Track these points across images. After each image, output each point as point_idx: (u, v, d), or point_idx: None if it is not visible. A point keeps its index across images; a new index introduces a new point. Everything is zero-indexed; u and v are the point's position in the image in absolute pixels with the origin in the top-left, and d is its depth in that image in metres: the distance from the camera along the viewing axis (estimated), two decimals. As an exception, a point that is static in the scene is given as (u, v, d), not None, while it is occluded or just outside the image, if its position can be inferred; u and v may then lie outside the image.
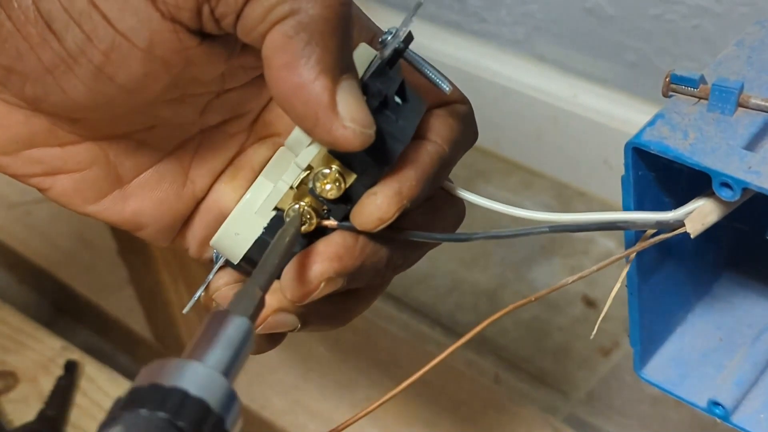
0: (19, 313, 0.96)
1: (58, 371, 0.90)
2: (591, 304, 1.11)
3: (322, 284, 0.43)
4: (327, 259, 0.43)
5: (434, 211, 0.46)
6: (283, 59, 0.39)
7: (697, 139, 0.41)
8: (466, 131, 0.46)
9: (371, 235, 0.44)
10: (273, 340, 0.47)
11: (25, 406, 0.87)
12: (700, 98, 0.43)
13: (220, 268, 0.46)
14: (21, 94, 0.42)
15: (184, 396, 0.33)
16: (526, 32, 1.22)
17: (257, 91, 0.46)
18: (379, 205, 0.42)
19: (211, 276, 0.46)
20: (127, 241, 0.96)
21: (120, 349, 1.10)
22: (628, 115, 1.16)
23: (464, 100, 0.47)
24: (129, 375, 0.91)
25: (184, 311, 0.47)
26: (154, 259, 0.93)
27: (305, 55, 0.38)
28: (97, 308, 1.10)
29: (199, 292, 0.47)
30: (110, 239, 1.05)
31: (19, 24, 0.40)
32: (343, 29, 0.39)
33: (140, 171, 0.46)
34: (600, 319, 0.48)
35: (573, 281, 0.44)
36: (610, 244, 1.15)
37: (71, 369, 0.90)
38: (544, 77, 1.22)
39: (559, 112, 1.21)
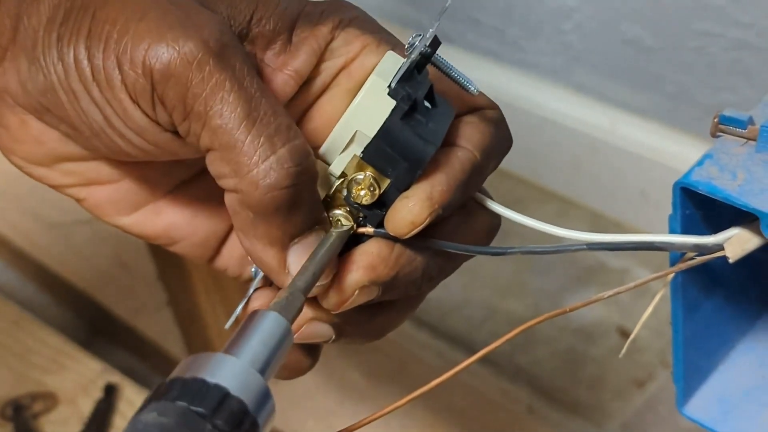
0: (59, 334, 0.96)
1: (98, 393, 0.90)
2: (626, 335, 1.11)
3: (357, 292, 0.43)
4: (362, 267, 0.43)
5: (467, 222, 0.46)
6: (236, 223, 0.42)
7: (746, 180, 0.42)
8: (499, 136, 0.46)
9: (406, 245, 0.44)
10: (310, 355, 0.47)
11: (64, 428, 0.87)
12: (748, 139, 0.43)
13: (259, 288, 0.47)
14: (56, 127, 0.44)
15: (224, 394, 0.34)
16: (565, 62, 1.23)
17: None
18: (410, 208, 0.43)
19: (251, 291, 0.47)
20: (167, 264, 0.97)
21: (156, 371, 1.11)
22: (667, 147, 1.16)
23: (494, 106, 0.47)
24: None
25: (227, 327, 0.47)
26: (192, 282, 0.94)
27: (253, 226, 0.41)
28: (134, 330, 1.11)
29: (239, 309, 0.47)
30: (148, 262, 1.06)
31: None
32: (289, 207, 0.41)
33: (172, 186, 0.47)
34: (631, 338, 0.48)
35: (609, 296, 0.45)
36: (646, 274, 1.15)
37: (111, 392, 0.91)
38: (582, 107, 1.22)
39: (596, 143, 1.21)
